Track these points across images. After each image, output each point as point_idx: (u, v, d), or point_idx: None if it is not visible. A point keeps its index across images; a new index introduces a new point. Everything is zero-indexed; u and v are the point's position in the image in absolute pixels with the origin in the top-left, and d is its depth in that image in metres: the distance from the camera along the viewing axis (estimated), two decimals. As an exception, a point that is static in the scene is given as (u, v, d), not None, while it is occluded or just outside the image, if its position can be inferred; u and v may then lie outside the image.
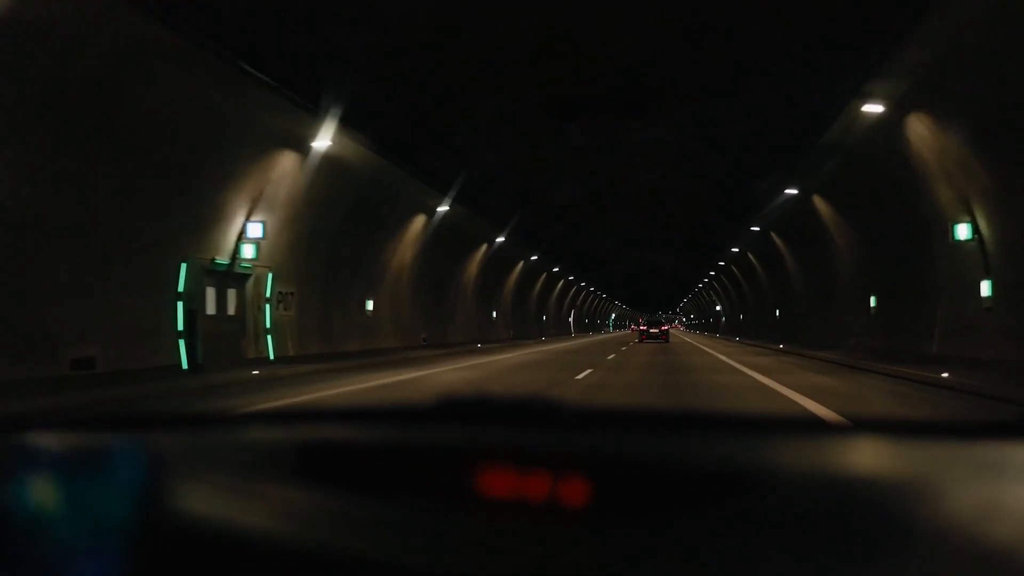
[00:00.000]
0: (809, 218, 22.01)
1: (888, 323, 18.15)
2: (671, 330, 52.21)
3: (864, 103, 13.20)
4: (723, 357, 19.83)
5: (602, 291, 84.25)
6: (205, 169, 12.48)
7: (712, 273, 51.65)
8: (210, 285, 13.89)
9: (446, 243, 25.73)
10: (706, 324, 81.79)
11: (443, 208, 22.45)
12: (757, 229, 28.41)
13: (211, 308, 13.92)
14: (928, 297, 15.21)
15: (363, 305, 20.76)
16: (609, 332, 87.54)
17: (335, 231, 17.81)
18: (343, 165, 16.43)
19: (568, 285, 59.15)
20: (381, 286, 21.99)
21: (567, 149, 22.66)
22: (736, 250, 36.31)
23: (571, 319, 68.53)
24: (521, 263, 39.39)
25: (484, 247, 31.07)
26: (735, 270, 43.05)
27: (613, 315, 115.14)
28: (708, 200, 28.50)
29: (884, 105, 12.92)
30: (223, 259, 13.86)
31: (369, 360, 16.68)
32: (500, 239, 30.60)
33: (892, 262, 17.39)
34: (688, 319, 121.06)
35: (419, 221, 22.59)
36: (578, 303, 72.05)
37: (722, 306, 60.95)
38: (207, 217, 13.14)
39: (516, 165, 23.66)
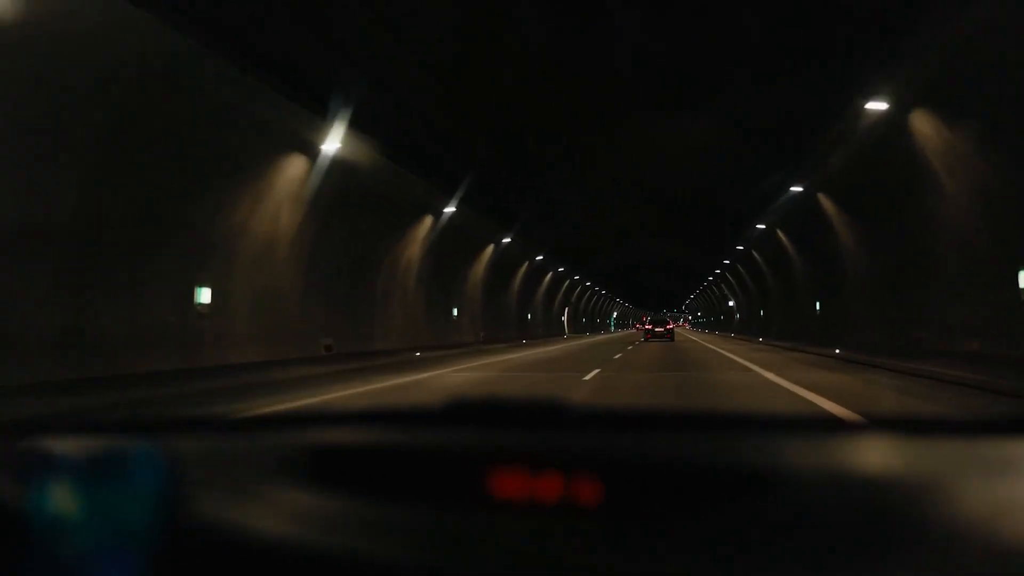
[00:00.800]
0: (897, 156, 14.17)
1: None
2: (676, 329, 47.19)
3: None
4: (769, 375, 12.06)
5: (602, 288, 76.53)
6: None
7: (726, 262, 43.86)
8: None
9: (360, 207, 17.92)
10: (716, 322, 74.17)
11: (330, 147, 14.62)
12: (799, 189, 20.55)
13: None
14: None
15: (188, 294, 12.98)
16: (610, 332, 79.28)
17: (90, 156, 10.04)
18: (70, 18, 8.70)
19: (558, 278, 51.20)
20: (233, 263, 14.18)
21: (528, 52, 14.88)
22: (762, 226, 28.41)
23: (565, 318, 60.60)
24: (491, 247, 31.50)
25: (429, 220, 23.17)
26: (756, 255, 35.29)
27: (615, 314, 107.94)
28: (728, 145, 20.63)
29: None
30: None
31: (101, 397, 8.89)
32: (449, 209, 22.79)
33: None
34: (695, 317, 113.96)
35: (294, 164, 14.71)
36: (573, 300, 64.12)
37: (736, 301, 53.30)
38: None
39: (460, 88, 15.87)
